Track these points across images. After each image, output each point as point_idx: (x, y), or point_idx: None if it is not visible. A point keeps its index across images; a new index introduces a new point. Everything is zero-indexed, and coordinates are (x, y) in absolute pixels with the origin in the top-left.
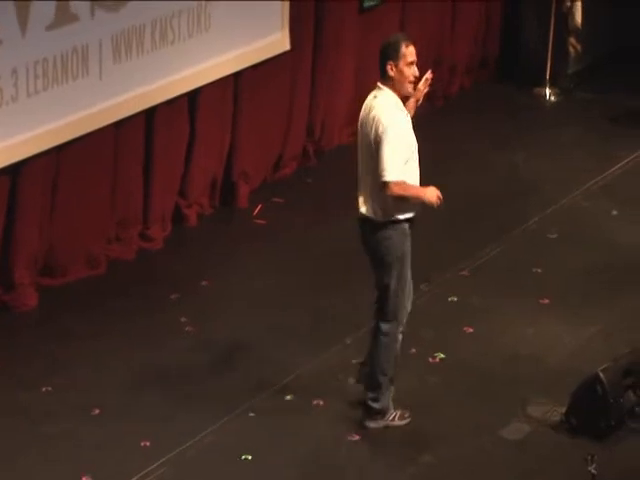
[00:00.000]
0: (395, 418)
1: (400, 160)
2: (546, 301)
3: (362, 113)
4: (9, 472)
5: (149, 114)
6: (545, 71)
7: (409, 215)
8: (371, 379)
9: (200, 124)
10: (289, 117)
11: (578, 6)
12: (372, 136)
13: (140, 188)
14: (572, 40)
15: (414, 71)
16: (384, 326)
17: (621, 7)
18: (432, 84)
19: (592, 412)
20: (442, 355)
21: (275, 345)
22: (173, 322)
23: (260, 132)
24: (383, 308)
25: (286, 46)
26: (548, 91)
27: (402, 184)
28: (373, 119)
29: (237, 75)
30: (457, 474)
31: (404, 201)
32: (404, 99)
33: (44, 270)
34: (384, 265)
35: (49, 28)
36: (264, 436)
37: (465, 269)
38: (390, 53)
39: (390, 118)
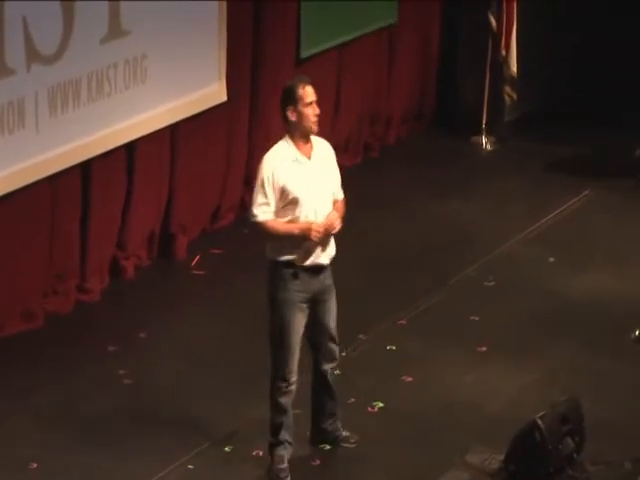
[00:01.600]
0: (270, 470)
1: (262, 201)
2: (484, 349)
3: None
4: None
5: (86, 166)
6: (481, 120)
7: (286, 258)
8: None
9: (137, 176)
10: (226, 168)
11: (513, 55)
12: None
13: (77, 241)
14: (508, 89)
15: (314, 110)
16: (272, 376)
17: (556, 57)
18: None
19: (531, 459)
20: (381, 404)
21: (214, 396)
22: (111, 374)
23: (198, 183)
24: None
25: (223, 97)
26: (484, 140)
27: (265, 224)
28: None
29: (174, 126)
30: None
31: (277, 241)
32: (307, 139)
33: None
34: (268, 306)
35: None
36: None
37: (403, 318)
38: (288, 99)
39: (265, 165)
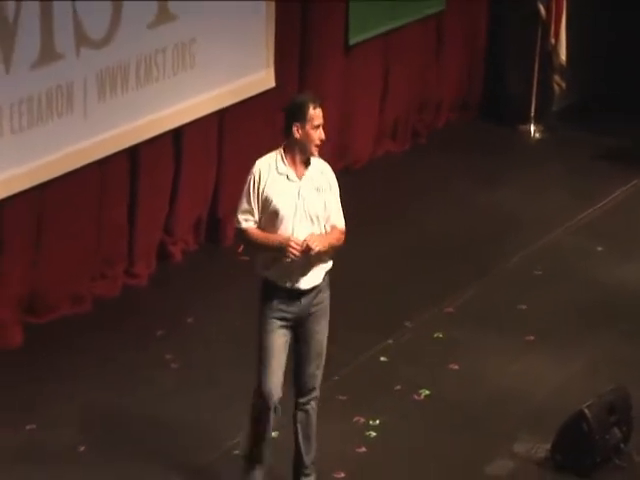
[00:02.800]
0: None
1: (245, 208)
2: (531, 338)
3: None
4: None
5: (134, 151)
6: (530, 108)
7: (266, 274)
8: None
9: (185, 161)
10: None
11: (563, 44)
12: None
13: (125, 225)
14: (557, 78)
15: (320, 134)
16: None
17: (607, 46)
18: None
19: (577, 449)
20: (427, 392)
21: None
22: (158, 359)
23: (245, 167)
24: None
25: (271, 83)
26: (533, 128)
27: (246, 231)
28: None
29: (222, 112)
30: None
31: (258, 254)
32: (304, 159)
33: (29, 308)
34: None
35: (34, 66)
36: None
37: (450, 306)
38: (296, 114)
39: (254, 173)
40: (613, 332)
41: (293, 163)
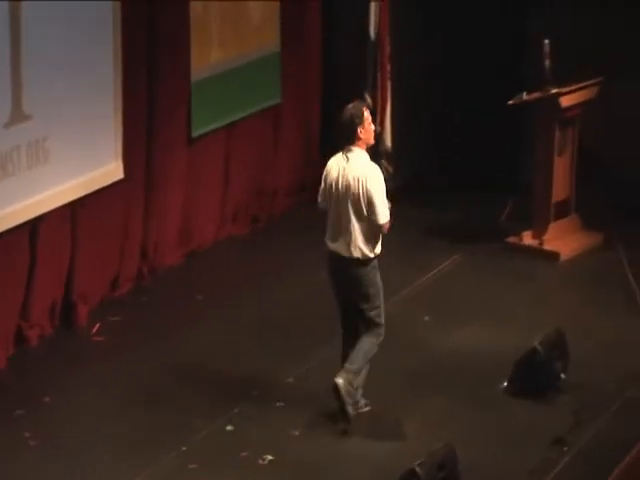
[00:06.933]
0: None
1: (387, 204)
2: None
3: (334, 172)
4: None
5: None
6: None
7: (378, 250)
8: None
9: (40, 250)
10: (124, 240)
11: (387, 131)
12: (363, 189)
13: None
14: (384, 162)
15: (372, 126)
16: (377, 332)
17: (428, 131)
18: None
19: None
20: (270, 457)
21: (114, 456)
22: (18, 437)
23: (97, 255)
24: (374, 326)
25: (120, 175)
26: None
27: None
28: (359, 176)
29: (75, 202)
30: None
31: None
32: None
33: None
34: (370, 295)
35: None
36: None
37: (290, 376)
38: (357, 121)
39: (373, 172)
40: (439, 397)
41: None
